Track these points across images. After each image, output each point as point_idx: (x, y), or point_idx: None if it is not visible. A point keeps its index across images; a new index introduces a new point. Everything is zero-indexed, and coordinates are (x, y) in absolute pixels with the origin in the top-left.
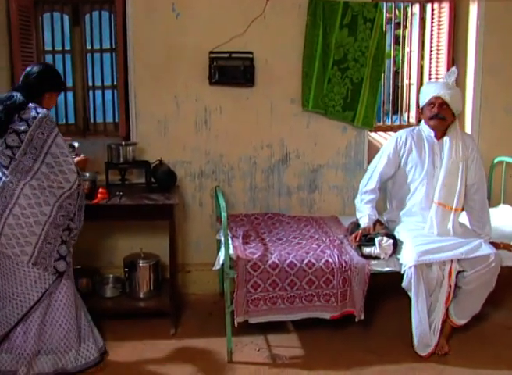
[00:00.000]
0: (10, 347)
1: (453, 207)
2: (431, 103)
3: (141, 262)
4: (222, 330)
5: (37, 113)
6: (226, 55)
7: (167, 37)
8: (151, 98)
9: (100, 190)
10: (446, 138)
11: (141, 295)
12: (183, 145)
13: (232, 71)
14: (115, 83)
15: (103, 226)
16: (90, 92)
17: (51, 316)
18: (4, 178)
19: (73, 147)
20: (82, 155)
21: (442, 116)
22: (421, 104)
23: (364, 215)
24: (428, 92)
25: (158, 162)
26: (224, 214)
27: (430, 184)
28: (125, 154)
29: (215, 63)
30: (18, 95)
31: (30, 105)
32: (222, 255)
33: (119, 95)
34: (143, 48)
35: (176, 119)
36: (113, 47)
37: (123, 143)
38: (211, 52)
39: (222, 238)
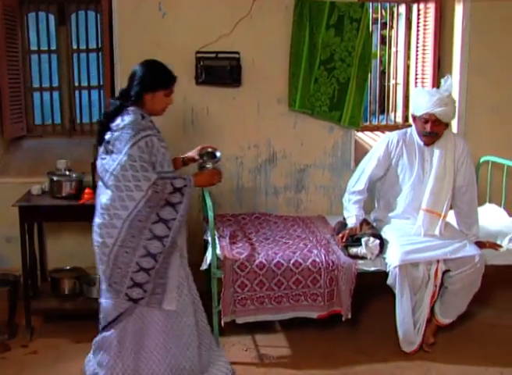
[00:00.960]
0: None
1: (442, 214)
2: (424, 119)
3: None
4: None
5: (122, 121)
6: (213, 55)
7: (153, 37)
8: None
9: (86, 190)
10: (436, 145)
11: None
12: (171, 145)
13: (218, 71)
14: (101, 83)
15: (89, 226)
16: (77, 92)
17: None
18: (98, 189)
19: (214, 156)
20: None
21: (434, 134)
22: (413, 111)
23: (352, 215)
24: (422, 105)
25: None
26: (211, 214)
27: (418, 190)
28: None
29: (201, 63)
30: (115, 102)
31: (125, 110)
32: (209, 255)
33: (105, 95)
34: (129, 47)
35: (164, 119)
36: (99, 46)
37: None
38: (197, 52)
39: (209, 238)
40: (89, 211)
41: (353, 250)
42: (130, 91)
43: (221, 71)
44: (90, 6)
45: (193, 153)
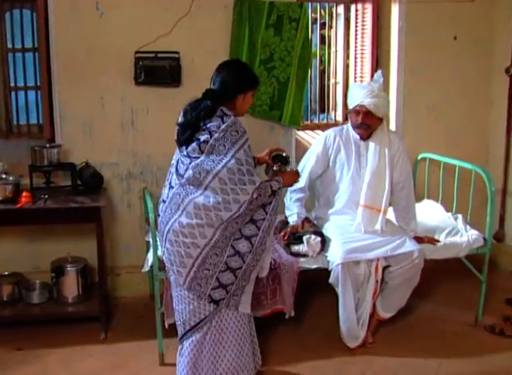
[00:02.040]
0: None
1: (382, 209)
2: (355, 111)
3: (69, 266)
4: (153, 333)
5: (223, 122)
6: (152, 55)
7: (91, 37)
8: (76, 99)
9: (24, 193)
10: (371, 140)
11: (69, 300)
12: (110, 147)
13: (158, 71)
14: (38, 83)
15: (28, 230)
16: (13, 93)
17: (211, 350)
18: (175, 188)
19: (286, 160)
20: (293, 169)
21: (366, 126)
22: (349, 106)
23: (293, 213)
24: (354, 98)
25: (84, 164)
26: (152, 215)
27: (356, 185)
28: (49, 156)
29: (140, 63)
30: (207, 102)
31: (218, 111)
32: (150, 257)
33: (42, 96)
34: (66, 47)
35: (102, 120)
36: (35, 46)
37: (48, 145)
38: (136, 52)
39: (151, 240)
40: (27, 215)
41: (295, 248)
42: (223, 91)
43: (160, 71)
44: (26, 5)
45: (263, 155)
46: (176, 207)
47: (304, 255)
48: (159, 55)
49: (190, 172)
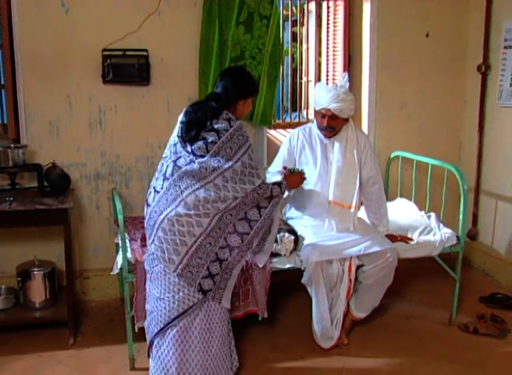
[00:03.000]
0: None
1: (352, 205)
2: (321, 114)
3: (35, 270)
4: (124, 337)
5: (230, 126)
6: (120, 53)
7: (57, 34)
8: (42, 98)
9: None
10: (336, 138)
11: (37, 305)
12: (77, 147)
13: (126, 69)
14: (2, 81)
15: None
16: None
17: (190, 341)
18: (171, 179)
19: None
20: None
21: (331, 128)
22: (315, 106)
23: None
24: (320, 100)
25: (50, 164)
26: (120, 216)
27: (324, 183)
28: (14, 157)
29: (108, 61)
30: (212, 103)
31: (224, 114)
32: (119, 259)
33: (6, 95)
34: (31, 45)
35: (69, 119)
36: None
37: (12, 145)
38: (104, 50)
39: (120, 242)
40: None
41: None
42: (226, 96)
43: (129, 69)
44: None
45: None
46: (173, 198)
47: (277, 254)
48: (127, 52)
49: (195, 166)
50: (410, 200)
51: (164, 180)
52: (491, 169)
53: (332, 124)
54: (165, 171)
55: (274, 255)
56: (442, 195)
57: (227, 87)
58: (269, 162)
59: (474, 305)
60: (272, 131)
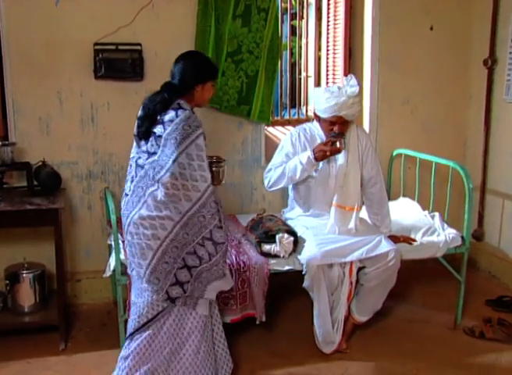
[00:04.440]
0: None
1: (354, 207)
2: (330, 121)
3: (24, 272)
4: (117, 342)
5: (177, 116)
6: (113, 47)
7: (46, 27)
8: (31, 94)
9: None
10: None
11: (26, 309)
12: (68, 144)
13: (119, 64)
14: None
15: None
16: None
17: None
18: (136, 181)
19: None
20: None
21: (343, 134)
22: (317, 111)
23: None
24: (328, 109)
25: (40, 163)
26: (113, 217)
27: (327, 185)
28: (2, 155)
29: (100, 56)
30: (164, 94)
31: (175, 104)
32: (112, 261)
33: None
34: (19, 38)
35: (60, 116)
36: None
37: (0, 143)
38: (95, 44)
39: (113, 243)
40: None
41: (266, 247)
42: (180, 83)
43: (122, 64)
44: None
45: None
46: (137, 200)
47: (275, 256)
48: (120, 47)
49: (146, 167)
50: (414, 199)
51: (131, 181)
52: (497, 167)
53: (344, 129)
54: (131, 172)
55: (273, 256)
56: (447, 194)
57: (182, 72)
58: (267, 161)
59: (480, 308)
60: (269, 128)
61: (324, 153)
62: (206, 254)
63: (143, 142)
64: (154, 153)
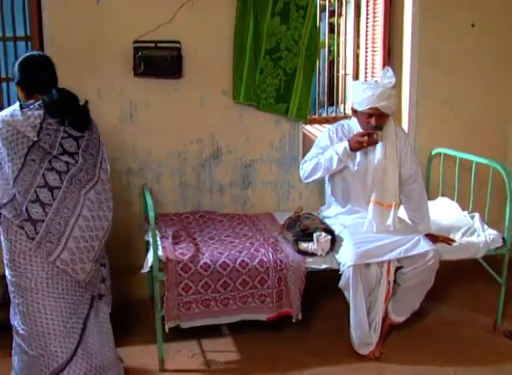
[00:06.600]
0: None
1: (392, 203)
2: (367, 113)
3: None
4: (153, 337)
5: None
6: (152, 45)
7: (87, 26)
8: (72, 91)
9: None
10: None
11: None
12: (108, 142)
13: (158, 62)
14: None
15: None
16: (4, 84)
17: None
18: (63, 187)
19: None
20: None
21: (380, 127)
22: (355, 105)
23: (337, 145)
24: (365, 100)
25: None
26: (151, 213)
27: (364, 182)
28: None
29: (139, 53)
30: None
31: None
32: (150, 257)
33: None
34: (61, 37)
35: (99, 113)
36: (28, 34)
37: None
38: (135, 42)
39: (150, 239)
40: None
41: (303, 245)
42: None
43: (161, 62)
44: None
45: None
46: (75, 203)
47: (312, 254)
48: (159, 44)
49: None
50: (453, 199)
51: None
52: None
53: (381, 122)
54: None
55: (310, 254)
56: (487, 194)
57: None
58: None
59: None
60: (307, 126)
61: (360, 144)
62: None
63: None
64: None
